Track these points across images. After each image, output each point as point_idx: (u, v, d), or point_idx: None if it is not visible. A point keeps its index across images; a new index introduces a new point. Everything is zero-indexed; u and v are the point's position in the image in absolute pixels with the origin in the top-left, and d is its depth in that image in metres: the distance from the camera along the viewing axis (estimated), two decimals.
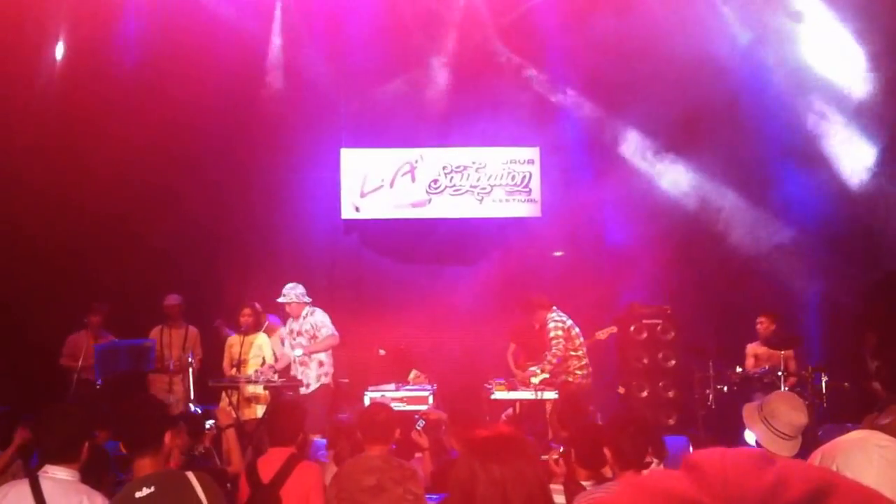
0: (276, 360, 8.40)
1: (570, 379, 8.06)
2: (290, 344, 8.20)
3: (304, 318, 8.09)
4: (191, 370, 8.33)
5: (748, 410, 3.62)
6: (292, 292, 8.04)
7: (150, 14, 9.36)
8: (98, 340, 8.72)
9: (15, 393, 7.69)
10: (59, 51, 9.42)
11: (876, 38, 8.95)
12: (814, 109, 9.49)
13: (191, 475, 3.11)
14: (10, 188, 8.90)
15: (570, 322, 8.24)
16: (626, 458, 3.37)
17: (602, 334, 8.53)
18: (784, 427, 3.38)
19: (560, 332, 8.09)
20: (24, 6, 8.81)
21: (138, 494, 3.03)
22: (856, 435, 2.89)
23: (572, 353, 8.12)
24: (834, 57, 9.30)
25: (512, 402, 8.45)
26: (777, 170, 9.66)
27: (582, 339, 8.27)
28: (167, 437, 3.30)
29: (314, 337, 8.04)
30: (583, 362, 8.17)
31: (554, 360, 8.05)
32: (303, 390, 7.94)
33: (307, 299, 8.10)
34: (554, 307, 8.32)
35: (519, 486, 2.04)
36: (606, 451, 3.45)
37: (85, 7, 8.78)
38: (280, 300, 8.11)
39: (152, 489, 3.03)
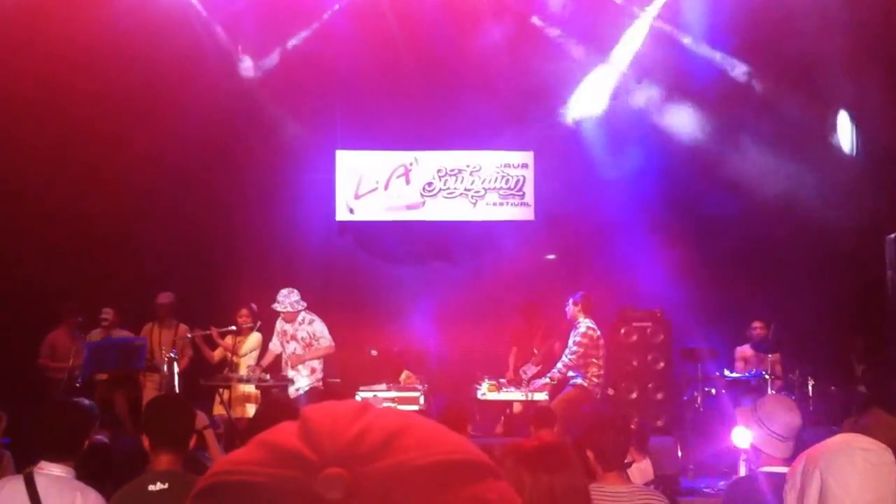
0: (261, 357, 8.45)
1: (586, 384, 8.09)
2: (281, 343, 8.24)
3: (301, 324, 8.09)
4: (175, 368, 8.31)
5: (742, 413, 3.68)
6: (287, 300, 8.02)
7: (145, 16, 9.38)
8: (74, 339, 8.72)
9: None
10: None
11: None
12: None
13: None
14: (3, 189, 8.94)
15: (599, 332, 8.28)
16: (608, 458, 3.43)
17: None
18: (779, 428, 3.45)
19: (586, 341, 8.09)
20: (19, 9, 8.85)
21: (151, 488, 3.09)
22: (839, 438, 2.92)
23: (594, 360, 8.13)
24: None
25: (501, 403, 8.53)
26: (767, 171, 9.74)
27: (604, 352, 8.27)
28: (192, 440, 3.36)
29: (310, 345, 8.06)
30: (600, 371, 8.20)
31: (564, 370, 8.07)
32: (292, 392, 7.98)
33: (301, 305, 8.10)
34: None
35: (568, 494, 2.11)
36: (588, 453, 3.50)
37: (80, 10, 8.81)
38: (275, 307, 8.08)
39: (166, 486, 3.09)
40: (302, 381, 8.06)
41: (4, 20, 8.60)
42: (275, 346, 8.31)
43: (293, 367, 8.07)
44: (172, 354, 8.30)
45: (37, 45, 8.73)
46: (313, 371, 8.11)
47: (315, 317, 8.15)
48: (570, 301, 8.28)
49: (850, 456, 2.71)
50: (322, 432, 0.58)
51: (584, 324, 8.16)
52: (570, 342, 8.13)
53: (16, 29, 8.70)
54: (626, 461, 3.47)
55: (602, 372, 8.19)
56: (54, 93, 9.07)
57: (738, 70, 9.86)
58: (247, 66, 10.03)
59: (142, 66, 9.31)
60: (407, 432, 0.58)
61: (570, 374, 8.13)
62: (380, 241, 10.50)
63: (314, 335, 8.04)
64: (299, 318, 8.08)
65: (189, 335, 8.75)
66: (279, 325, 8.29)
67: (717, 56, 9.86)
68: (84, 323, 8.96)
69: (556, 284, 9.35)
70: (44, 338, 8.91)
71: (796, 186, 9.48)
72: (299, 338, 8.08)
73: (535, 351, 8.62)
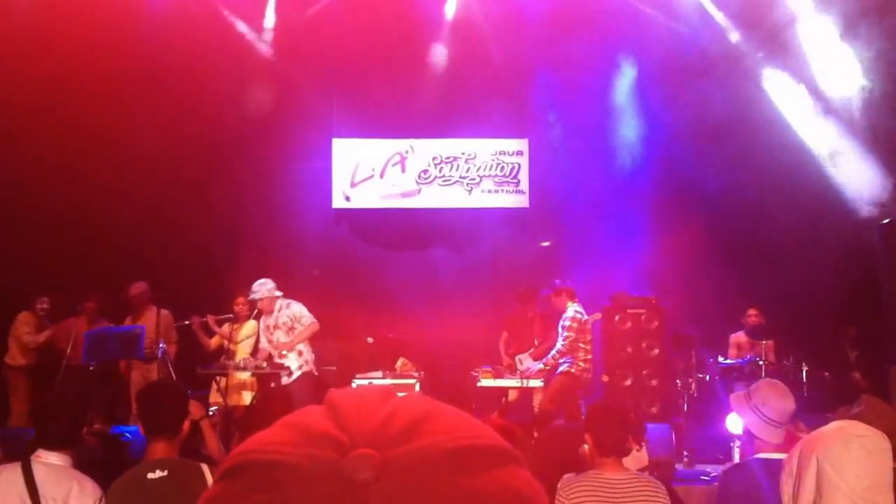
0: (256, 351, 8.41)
1: (573, 370, 8.09)
2: (267, 339, 8.09)
3: (280, 310, 7.97)
4: (167, 357, 8.25)
5: (736, 399, 3.69)
6: (263, 288, 7.87)
7: (145, 7, 9.34)
8: (92, 327, 8.72)
9: None
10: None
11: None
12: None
13: (205, 468, 3.18)
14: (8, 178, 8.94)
15: (587, 315, 8.29)
16: (606, 444, 3.44)
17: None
18: (774, 414, 3.46)
19: (575, 325, 8.10)
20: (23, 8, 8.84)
21: (150, 476, 3.11)
22: (835, 426, 2.94)
23: (581, 345, 8.15)
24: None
25: (498, 390, 8.55)
26: (758, 162, 9.75)
27: (591, 336, 8.31)
28: (186, 425, 3.38)
29: (292, 329, 7.91)
30: (588, 356, 8.22)
31: (559, 357, 8.09)
32: (285, 379, 7.94)
33: (278, 293, 7.97)
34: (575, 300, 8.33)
35: None
36: (587, 438, 3.52)
37: (82, 6, 8.80)
38: (252, 297, 7.94)
39: (165, 473, 3.11)
40: (291, 365, 8.00)
41: (7, 10, 8.57)
42: (264, 344, 8.20)
43: (281, 356, 8.03)
44: (161, 345, 8.27)
45: (37, 37, 8.69)
46: (300, 354, 7.93)
47: (291, 300, 8.03)
48: (553, 294, 8.29)
49: (846, 443, 2.72)
50: (350, 415, 0.58)
51: (573, 308, 8.17)
52: (560, 327, 8.16)
53: (16, 23, 8.68)
54: (626, 447, 3.48)
55: (590, 356, 8.22)
56: (51, 87, 9.05)
57: (733, 47, 9.82)
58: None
59: (136, 57, 9.29)
60: (433, 417, 0.59)
61: (560, 360, 8.16)
62: (376, 229, 10.52)
63: (295, 317, 7.92)
64: (277, 306, 7.95)
65: (175, 323, 8.71)
66: (262, 321, 8.21)
67: (711, 31, 9.82)
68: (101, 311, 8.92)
69: (550, 271, 9.37)
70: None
71: (792, 173, 9.50)
72: (280, 324, 7.97)
73: (536, 342, 8.60)
